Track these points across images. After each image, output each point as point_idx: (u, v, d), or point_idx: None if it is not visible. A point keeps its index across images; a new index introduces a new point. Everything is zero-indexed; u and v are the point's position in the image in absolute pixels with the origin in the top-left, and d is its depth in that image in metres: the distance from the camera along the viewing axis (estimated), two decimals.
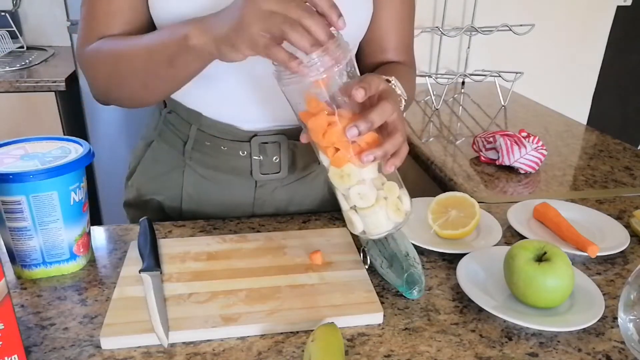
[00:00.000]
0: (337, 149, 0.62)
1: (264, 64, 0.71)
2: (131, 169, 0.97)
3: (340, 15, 0.59)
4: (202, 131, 0.85)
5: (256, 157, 0.85)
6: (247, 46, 0.59)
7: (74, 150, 0.72)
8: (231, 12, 0.61)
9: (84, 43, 0.79)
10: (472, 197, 0.84)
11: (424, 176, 1.32)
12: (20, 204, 0.66)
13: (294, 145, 0.87)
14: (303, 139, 0.65)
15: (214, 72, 0.79)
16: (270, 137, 0.85)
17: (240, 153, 0.85)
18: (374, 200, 0.63)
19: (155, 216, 0.93)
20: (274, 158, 0.86)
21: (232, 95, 0.82)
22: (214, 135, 0.85)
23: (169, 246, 0.78)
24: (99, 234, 0.84)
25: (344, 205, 0.66)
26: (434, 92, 1.78)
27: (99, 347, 0.60)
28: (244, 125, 0.84)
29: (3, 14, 2.21)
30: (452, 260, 0.77)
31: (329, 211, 0.91)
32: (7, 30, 2.19)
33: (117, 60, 0.74)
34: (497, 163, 1.22)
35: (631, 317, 0.55)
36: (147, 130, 0.96)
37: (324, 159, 0.64)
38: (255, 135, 0.84)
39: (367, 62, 0.92)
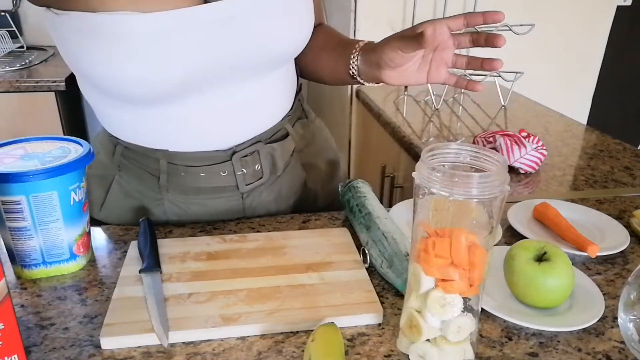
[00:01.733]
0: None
1: (230, 88, 0.77)
2: (98, 201, 0.89)
3: None
4: (174, 164, 0.82)
5: (239, 172, 0.84)
6: None
7: (74, 150, 0.72)
8: None
9: None
10: None
11: None
12: (20, 204, 0.66)
13: (272, 149, 0.87)
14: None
15: (177, 114, 0.77)
16: (249, 149, 0.84)
17: (221, 173, 0.83)
18: (467, 335, 0.56)
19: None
20: (256, 166, 0.86)
21: (203, 126, 0.80)
22: (189, 166, 0.82)
23: (169, 246, 0.78)
24: (99, 234, 0.84)
25: (425, 333, 0.56)
26: (434, 92, 1.78)
27: (99, 347, 0.60)
28: (222, 146, 0.82)
29: (3, 13, 2.21)
30: None
31: (329, 211, 0.91)
32: (7, 30, 2.19)
33: None
34: None
35: (631, 317, 0.55)
36: (98, 166, 0.88)
37: (426, 278, 0.54)
38: (234, 152, 0.83)
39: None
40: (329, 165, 1.02)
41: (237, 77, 0.77)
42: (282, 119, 0.89)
